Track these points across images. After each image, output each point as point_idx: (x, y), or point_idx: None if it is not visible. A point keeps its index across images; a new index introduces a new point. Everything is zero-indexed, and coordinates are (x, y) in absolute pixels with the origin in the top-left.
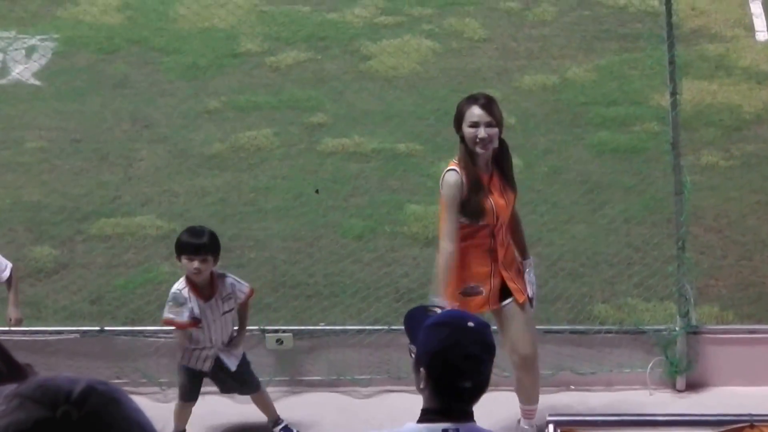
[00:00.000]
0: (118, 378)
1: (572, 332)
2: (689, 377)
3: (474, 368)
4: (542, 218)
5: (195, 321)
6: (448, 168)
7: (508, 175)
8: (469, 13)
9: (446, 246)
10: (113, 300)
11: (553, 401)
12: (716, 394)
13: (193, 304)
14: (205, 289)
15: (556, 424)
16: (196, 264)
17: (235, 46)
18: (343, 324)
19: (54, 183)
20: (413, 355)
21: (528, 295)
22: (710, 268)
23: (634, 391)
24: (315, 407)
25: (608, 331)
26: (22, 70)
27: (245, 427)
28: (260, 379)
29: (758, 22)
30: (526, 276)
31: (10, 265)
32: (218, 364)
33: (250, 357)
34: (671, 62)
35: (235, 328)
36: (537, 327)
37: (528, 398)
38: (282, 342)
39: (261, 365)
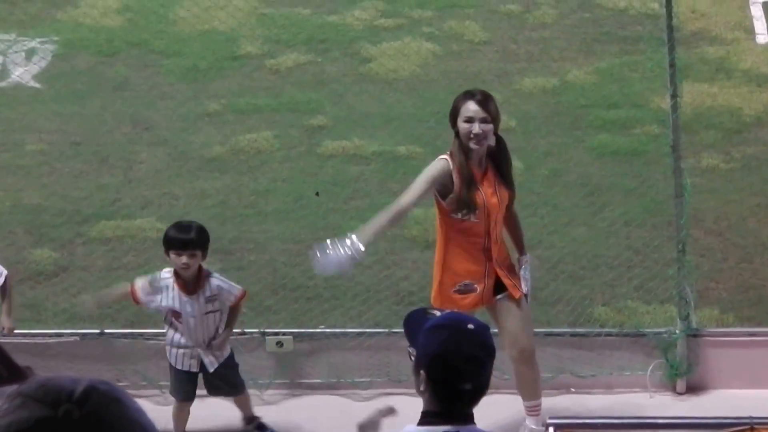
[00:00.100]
0: (118, 381)
1: (572, 335)
2: (689, 380)
3: (474, 370)
4: (542, 221)
5: (175, 314)
6: (440, 157)
7: (504, 174)
8: (470, 16)
9: (401, 200)
10: (113, 303)
11: (554, 404)
12: (716, 396)
13: (175, 296)
14: (190, 283)
15: (557, 426)
16: (184, 259)
17: (235, 49)
18: (343, 327)
19: (54, 186)
20: (413, 358)
21: (523, 291)
22: (710, 270)
23: (634, 393)
24: (315, 410)
25: (608, 334)
26: (22, 73)
27: (245, 429)
28: (260, 381)
29: (758, 25)
30: (521, 272)
31: (5, 272)
32: (202, 364)
33: (249, 359)
34: (671, 65)
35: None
36: (537, 330)
37: (530, 394)
38: (282, 344)
39: (261, 368)
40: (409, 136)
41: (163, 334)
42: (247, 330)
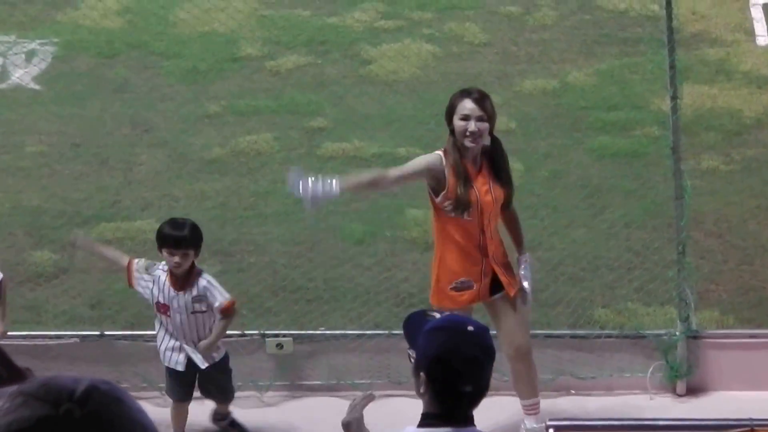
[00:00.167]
0: (118, 382)
1: (573, 337)
2: (689, 382)
3: (474, 372)
4: (543, 222)
5: (163, 307)
6: (435, 152)
7: (500, 173)
8: (470, 18)
9: (388, 170)
10: (113, 304)
11: (554, 406)
12: (716, 398)
13: (164, 288)
14: (180, 279)
15: (557, 428)
16: (176, 259)
17: (235, 51)
18: (344, 328)
19: (54, 187)
20: (412, 360)
21: (525, 290)
22: (710, 272)
23: (634, 395)
24: (315, 411)
25: (608, 336)
26: (22, 75)
27: (218, 424)
28: (260, 383)
29: (759, 27)
30: (522, 271)
31: (0, 275)
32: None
33: (249, 361)
34: (672, 66)
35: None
36: (537, 331)
37: (528, 392)
38: (282, 346)
39: (261, 369)
40: (409, 138)
41: None
42: (247, 332)
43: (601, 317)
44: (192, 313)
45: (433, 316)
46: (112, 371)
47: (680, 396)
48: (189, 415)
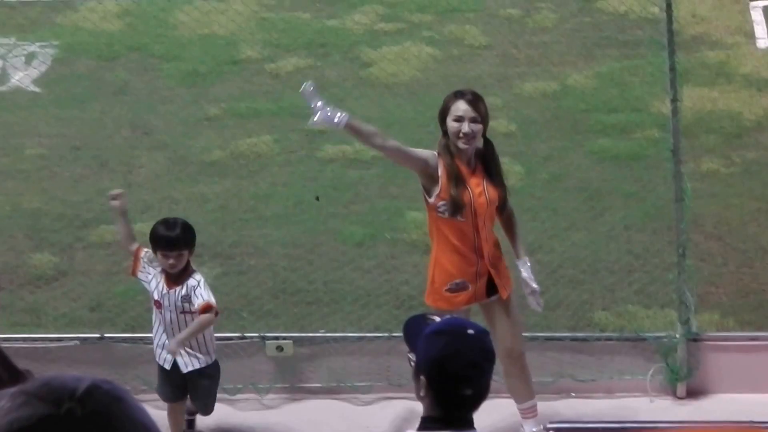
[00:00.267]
0: None
1: (573, 339)
2: (690, 384)
3: (474, 375)
4: (543, 225)
5: (157, 303)
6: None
7: (493, 174)
8: (470, 20)
9: (390, 138)
10: (113, 307)
11: (554, 408)
12: (717, 401)
13: (159, 285)
14: (174, 277)
15: (557, 431)
16: (171, 261)
17: (235, 53)
18: (344, 331)
19: (54, 190)
20: (412, 364)
21: (536, 291)
22: (711, 275)
23: (634, 398)
24: (315, 414)
25: (609, 338)
26: (22, 77)
27: None
28: (260, 386)
29: (759, 29)
30: (523, 273)
31: None
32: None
33: (249, 364)
34: (672, 69)
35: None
36: (537, 334)
37: (524, 395)
38: (282, 349)
39: (261, 372)
40: (409, 141)
41: None
42: (247, 334)
43: (601, 320)
44: (181, 312)
45: (433, 320)
46: (112, 374)
47: (680, 399)
48: (184, 417)
